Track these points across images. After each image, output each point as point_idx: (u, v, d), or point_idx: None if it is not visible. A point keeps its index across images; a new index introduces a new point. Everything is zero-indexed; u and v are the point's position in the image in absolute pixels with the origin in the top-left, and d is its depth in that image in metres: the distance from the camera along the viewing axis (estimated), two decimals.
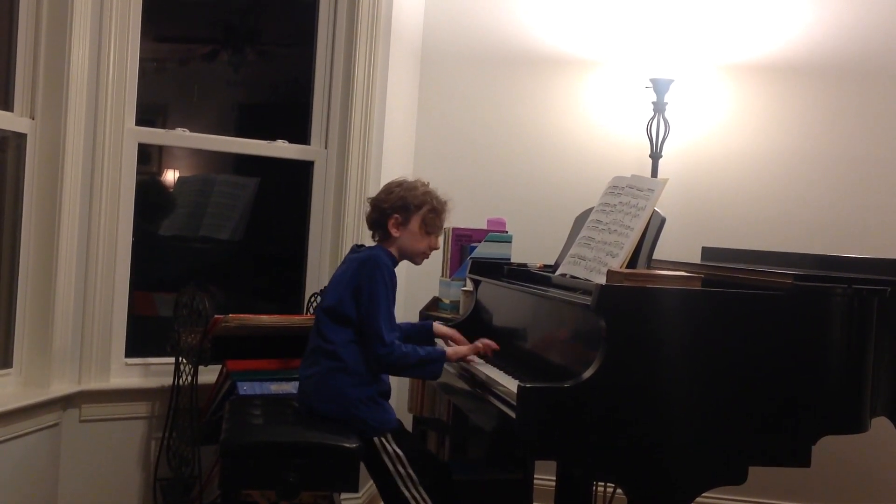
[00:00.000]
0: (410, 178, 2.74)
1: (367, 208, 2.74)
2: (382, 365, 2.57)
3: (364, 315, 2.54)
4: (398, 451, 2.53)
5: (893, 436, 2.60)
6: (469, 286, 3.23)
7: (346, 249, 3.24)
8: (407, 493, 2.50)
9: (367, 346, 2.56)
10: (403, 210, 2.65)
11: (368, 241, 2.81)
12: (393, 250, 2.68)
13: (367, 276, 2.56)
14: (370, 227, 2.74)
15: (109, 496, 3.08)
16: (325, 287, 2.75)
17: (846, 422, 2.13)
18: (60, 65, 2.84)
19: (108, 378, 3.07)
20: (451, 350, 2.66)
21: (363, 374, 2.57)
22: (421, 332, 2.90)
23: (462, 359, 2.63)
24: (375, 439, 2.53)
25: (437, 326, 2.90)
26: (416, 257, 2.73)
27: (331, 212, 3.48)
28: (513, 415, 2.00)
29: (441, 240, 2.84)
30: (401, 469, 2.51)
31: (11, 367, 2.87)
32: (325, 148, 3.48)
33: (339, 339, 2.57)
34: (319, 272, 3.50)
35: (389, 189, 2.70)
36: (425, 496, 2.51)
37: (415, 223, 2.66)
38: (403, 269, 3.96)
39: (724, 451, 2.06)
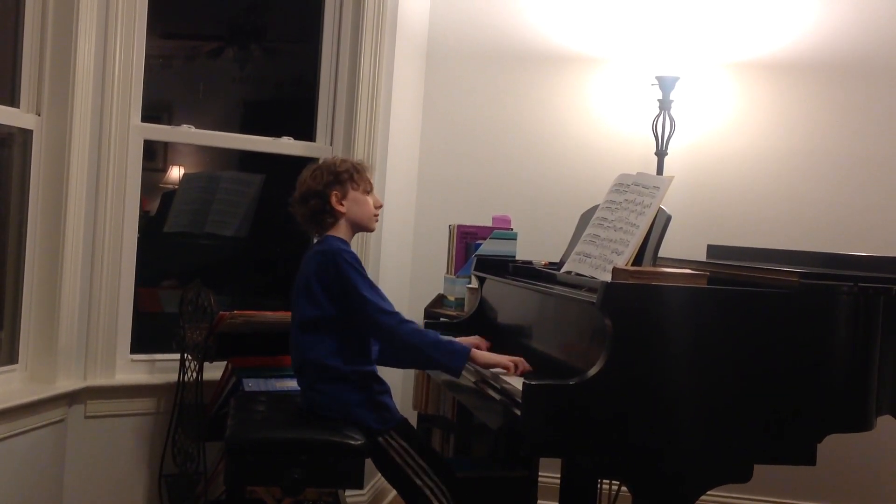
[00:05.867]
0: (318, 164, 2.70)
1: (299, 206, 2.64)
2: (394, 336, 2.49)
3: (350, 304, 2.49)
4: (404, 444, 2.52)
5: None
6: (474, 283, 3.23)
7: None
8: (420, 482, 2.48)
9: (371, 330, 2.53)
10: (337, 183, 2.60)
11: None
12: (342, 232, 2.63)
13: (332, 268, 2.50)
14: (312, 221, 2.65)
15: (114, 492, 3.09)
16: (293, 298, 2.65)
17: (852, 420, 2.13)
18: (66, 61, 2.85)
19: (113, 374, 3.07)
20: (480, 352, 2.45)
21: (355, 378, 2.55)
22: None
23: (488, 366, 2.40)
24: (380, 439, 2.52)
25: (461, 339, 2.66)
26: (370, 222, 2.68)
27: None
28: (518, 412, 2.00)
29: (380, 197, 2.78)
30: (410, 461, 2.50)
31: (17, 362, 2.88)
32: (331, 145, 3.48)
33: (321, 350, 2.54)
34: None
35: (313, 175, 2.64)
36: (439, 483, 2.49)
37: (352, 190, 2.62)
38: (407, 268, 3.97)
39: (730, 449, 2.05)
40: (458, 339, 2.62)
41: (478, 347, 2.54)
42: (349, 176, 2.62)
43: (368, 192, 2.66)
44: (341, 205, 2.61)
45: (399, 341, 2.51)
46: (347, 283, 2.49)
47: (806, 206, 3.76)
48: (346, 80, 3.45)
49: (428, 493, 2.48)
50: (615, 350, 1.97)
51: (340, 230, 2.63)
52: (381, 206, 2.71)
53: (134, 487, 3.13)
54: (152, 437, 3.14)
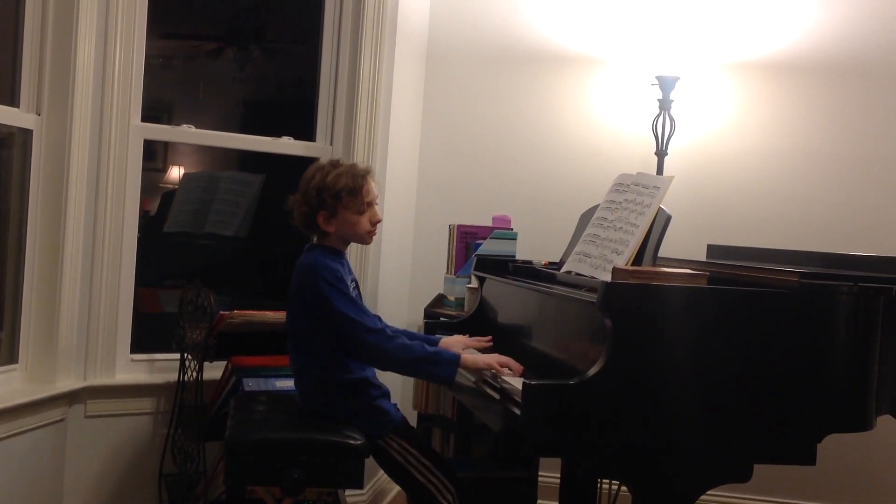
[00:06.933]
0: (321, 163, 2.58)
1: (293, 210, 2.57)
2: (376, 355, 2.46)
3: (328, 321, 2.46)
4: (404, 444, 2.52)
5: None
6: (474, 283, 3.23)
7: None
8: (424, 480, 2.48)
9: (352, 346, 2.47)
10: (324, 205, 2.51)
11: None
12: (334, 243, 2.58)
13: (309, 287, 2.47)
14: (304, 230, 2.61)
15: (114, 492, 3.09)
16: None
17: (851, 420, 2.13)
18: (66, 61, 2.85)
19: (113, 374, 3.07)
20: (469, 356, 2.43)
21: (351, 386, 2.54)
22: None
23: (478, 369, 2.39)
24: (379, 441, 2.52)
25: (445, 339, 2.67)
26: (363, 239, 2.61)
27: None
28: (518, 412, 2.00)
29: (381, 210, 2.65)
30: (412, 459, 2.50)
31: (17, 362, 2.87)
32: (331, 145, 3.48)
33: (314, 360, 2.54)
34: None
35: (304, 187, 2.54)
36: (443, 479, 2.49)
37: (342, 210, 2.52)
38: (407, 268, 3.97)
39: (730, 449, 2.05)
40: (443, 339, 2.65)
41: (464, 346, 2.59)
42: (338, 200, 2.51)
43: (362, 212, 2.54)
44: (329, 224, 2.54)
45: (386, 359, 2.48)
46: (327, 303, 2.44)
47: (806, 205, 3.76)
48: (345, 80, 3.45)
49: (433, 489, 2.49)
50: (615, 350, 1.97)
51: (332, 240, 2.59)
52: (379, 221, 2.60)
53: (134, 487, 3.12)
54: (152, 437, 3.14)
